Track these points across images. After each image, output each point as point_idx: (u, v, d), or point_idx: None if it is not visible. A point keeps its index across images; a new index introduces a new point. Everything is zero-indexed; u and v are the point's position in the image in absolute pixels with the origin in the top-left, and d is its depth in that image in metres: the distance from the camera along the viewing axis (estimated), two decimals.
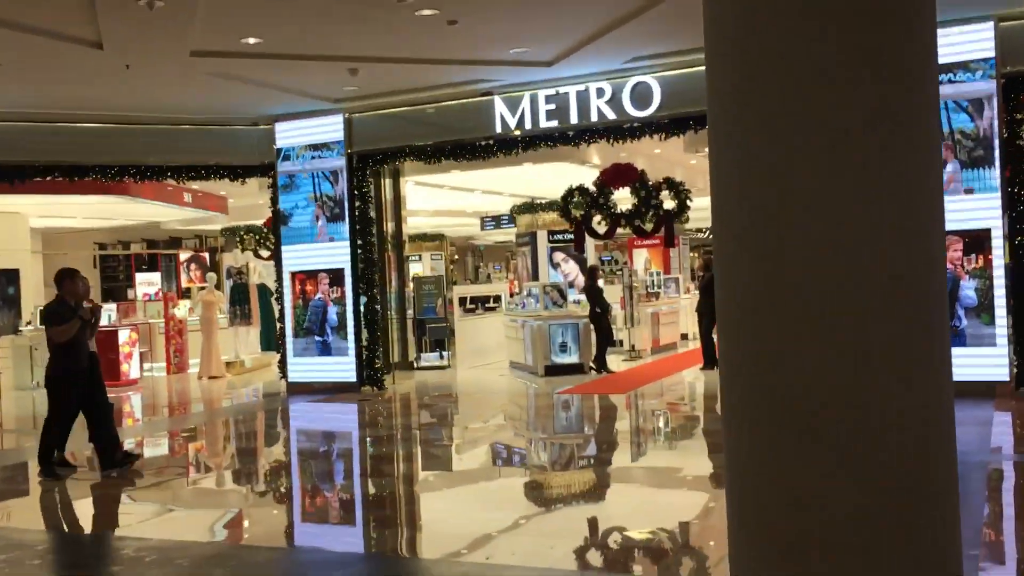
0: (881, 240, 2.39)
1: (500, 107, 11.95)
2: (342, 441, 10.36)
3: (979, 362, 9.48)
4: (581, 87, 11.52)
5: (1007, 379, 9.52)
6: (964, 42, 9.49)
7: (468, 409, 12.23)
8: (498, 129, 12.01)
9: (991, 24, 9.47)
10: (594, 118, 11.50)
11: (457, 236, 35.88)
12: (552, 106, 11.71)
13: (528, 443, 9.60)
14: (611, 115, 11.41)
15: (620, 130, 11.50)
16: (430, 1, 8.42)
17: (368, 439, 10.06)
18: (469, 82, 11.70)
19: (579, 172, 15.51)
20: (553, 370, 13.61)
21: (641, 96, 11.22)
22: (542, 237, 19.96)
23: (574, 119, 11.61)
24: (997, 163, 9.49)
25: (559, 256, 20.01)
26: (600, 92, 11.43)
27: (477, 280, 37.64)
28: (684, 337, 18.58)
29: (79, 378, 7.77)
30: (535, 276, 19.55)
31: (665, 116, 11.18)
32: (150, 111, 12.35)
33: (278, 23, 9.00)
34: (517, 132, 11.92)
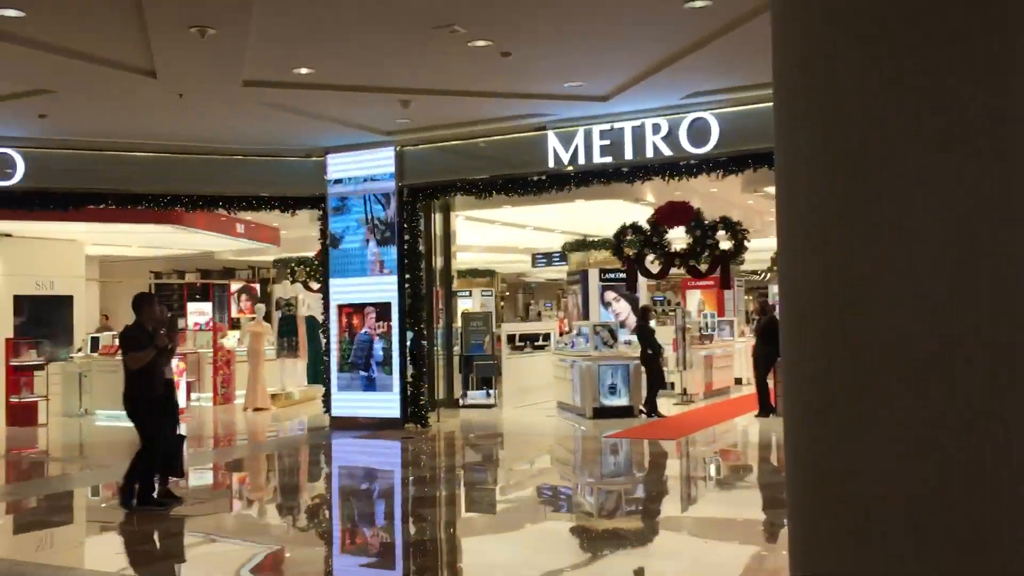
0: None
1: (553, 142, 11.74)
2: (383, 480, 10.09)
3: None
4: (637, 123, 11.26)
5: None
6: None
7: (514, 450, 11.91)
8: (551, 164, 11.78)
9: None
10: (649, 154, 11.22)
11: (508, 272, 35.73)
12: (606, 141, 11.46)
13: (574, 488, 9.24)
14: (667, 151, 11.12)
15: (676, 167, 11.20)
16: (483, 32, 8.26)
17: (411, 479, 9.79)
18: (522, 116, 11.51)
19: (632, 210, 15.21)
20: (601, 412, 13.24)
21: (699, 133, 10.93)
22: (593, 275, 19.62)
23: (629, 155, 11.34)
24: None
25: (610, 295, 19.64)
26: (656, 128, 11.16)
27: (528, 317, 37.39)
28: (738, 382, 18.05)
29: (153, 405, 7.69)
30: (586, 315, 19.20)
31: (723, 154, 10.86)
32: (202, 140, 12.38)
33: (330, 54, 8.92)
34: (570, 168, 11.69)
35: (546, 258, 24.68)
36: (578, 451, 11.57)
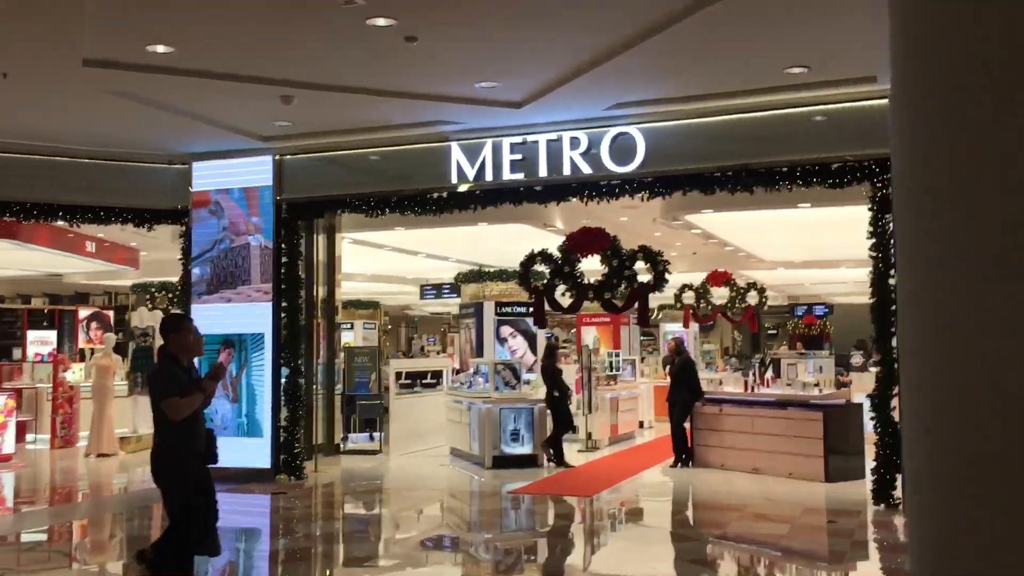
0: None
1: (457, 154, 10.32)
2: (244, 554, 8.31)
3: None
4: (553, 136, 9.96)
5: None
6: None
7: (403, 509, 10.26)
8: (453, 180, 10.35)
9: None
10: (567, 172, 9.92)
11: (391, 305, 34.04)
12: (518, 156, 10.11)
13: (476, 565, 7.70)
14: (587, 169, 9.85)
15: (596, 187, 9.94)
16: (386, 7, 6.78)
17: (280, 552, 8.06)
18: (423, 123, 10.05)
19: (540, 236, 13.91)
20: (502, 461, 11.78)
21: (622, 149, 9.70)
22: (489, 308, 18.28)
23: (543, 172, 10.02)
24: None
25: (506, 330, 18.31)
26: (575, 142, 9.88)
27: (410, 352, 35.74)
28: (640, 426, 16.88)
29: (194, 464, 5.68)
30: (479, 351, 17.80)
31: (650, 173, 9.66)
32: (37, 138, 10.39)
33: (193, 28, 7.27)
34: (466, 186, 10.27)
35: (435, 289, 23.19)
36: (478, 510, 10.04)
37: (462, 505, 10.46)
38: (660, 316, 28.76)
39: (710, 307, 18.64)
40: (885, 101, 8.70)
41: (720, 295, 18.83)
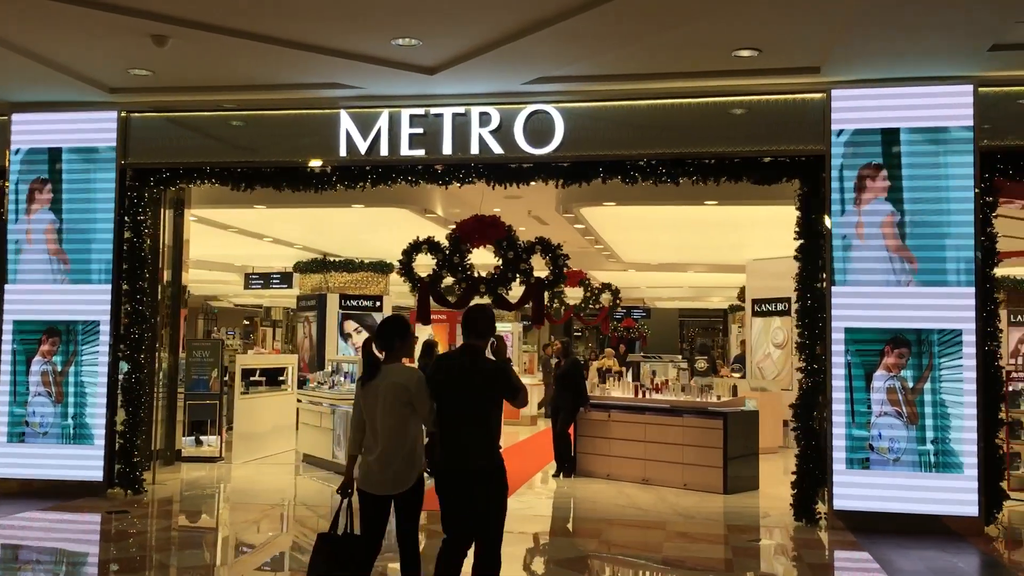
0: None
1: (347, 124, 9.05)
2: None
3: None
4: (460, 110, 8.91)
5: None
6: None
7: (270, 535, 8.83)
8: (343, 153, 9.08)
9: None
10: (474, 151, 8.90)
11: (196, 294, 31.59)
12: (419, 130, 8.98)
13: None
14: (497, 149, 8.86)
15: (506, 170, 8.98)
16: None
17: None
18: (313, 85, 8.71)
19: (412, 225, 12.78)
20: None
21: (538, 129, 8.78)
22: (333, 301, 16.92)
23: (447, 150, 8.95)
24: None
25: (351, 325, 17.04)
26: (485, 119, 8.87)
27: None
28: None
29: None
30: (321, 347, 16.43)
31: (567, 157, 8.80)
32: None
33: None
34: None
35: (263, 279, 21.32)
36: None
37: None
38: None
39: (563, 307, 18.09)
40: (821, 95, 8.30)
41: (573, 295, 18.33)
